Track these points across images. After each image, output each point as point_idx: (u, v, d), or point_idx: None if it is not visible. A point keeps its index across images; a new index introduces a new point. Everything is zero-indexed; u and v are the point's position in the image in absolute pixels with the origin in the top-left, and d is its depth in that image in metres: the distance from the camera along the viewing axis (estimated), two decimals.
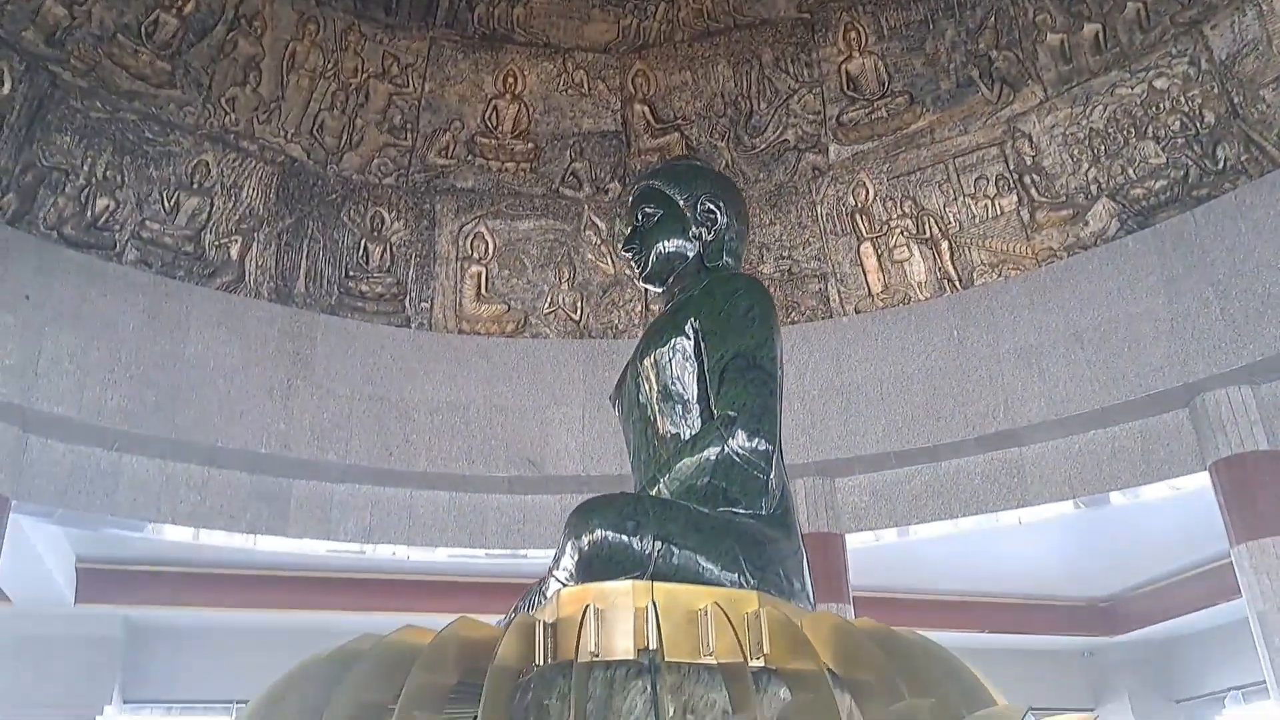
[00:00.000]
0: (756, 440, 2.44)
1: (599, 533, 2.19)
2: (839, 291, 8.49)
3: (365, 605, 9.74)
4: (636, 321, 8.74)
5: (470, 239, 8.84)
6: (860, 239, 8.50)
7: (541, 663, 2.04)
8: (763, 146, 8.77)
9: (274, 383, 7.61)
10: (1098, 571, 10.46)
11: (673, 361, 2.70)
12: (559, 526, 7.62)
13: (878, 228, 8.46)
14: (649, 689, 1.87)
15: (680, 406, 2.66)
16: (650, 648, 2.01)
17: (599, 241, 8.90)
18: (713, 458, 2.43)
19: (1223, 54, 7.20)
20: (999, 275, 8.00)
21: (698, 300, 2.76)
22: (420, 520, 7.96)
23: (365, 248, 8.58)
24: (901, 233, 8.35)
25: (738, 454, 2.41)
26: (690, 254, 2.96)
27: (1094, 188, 7.81)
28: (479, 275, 8.82)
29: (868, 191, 8.51)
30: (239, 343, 7.56)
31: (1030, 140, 8.10)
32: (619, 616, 2.07)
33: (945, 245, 8.20)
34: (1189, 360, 6.75)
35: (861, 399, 7.86)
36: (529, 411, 8.14)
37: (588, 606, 2.05)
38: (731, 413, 2.46)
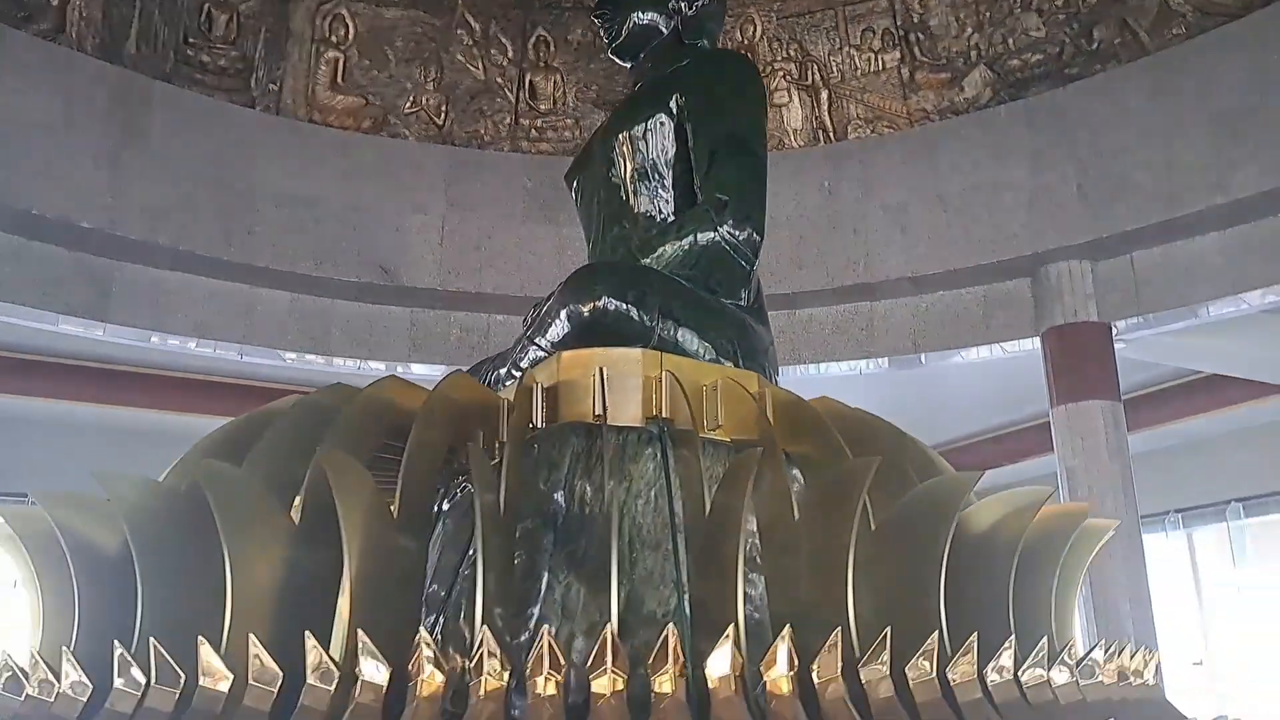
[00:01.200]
0: (747, 229, 2.40)
1: (604, 300, 2.12)
2: None
3: (184, 406, 9.24)
4: (504, 134, 8.41)
5: (329, 20, 8.15)
6: None
7: (540, 424, 1.98)
8: None
9: (100, 150, 6.87)
10: (921, 427, 11.12)
11: (652, 138, 2.62)
12: (409, 339, 7.31)
13: (763, 68, 8.36)
14: (659, 455, 1.83)
15: (658, 185, 2.60)
16: (663, 415, 1.95)
17: (471, 43, 8.41)
18: (702, 242, 2.38)
19: None
20: (873, 131, 8.13)
21: (684, 76, 2.66)
22: (259, 320, 7.54)
23: (209, 12, 7.76)
24: (784, 76, 8.32)
25: (727, 240, 2.37)
26: (665, 29, 2.85)
27: (973, 54, 7.97)
28: (336, 62, 8.19)
29: (755, 28, 8.39)
30: (61, 99, 6.74)
31: None
32: (627, 384, 2.02)
33: (825, 95, 8.28)
34: (1042, 232, 7.12)
35: None
36: (386, 215, 7.75)
37: (599, 370, 1.97)
38: (723, 196, 2.40)
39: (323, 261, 7.53)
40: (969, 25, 7.94)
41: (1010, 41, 7.84)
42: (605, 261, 2.36)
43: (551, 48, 8.54)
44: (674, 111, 2.61)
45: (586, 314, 2.13)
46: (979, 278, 7.48)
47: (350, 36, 8.21)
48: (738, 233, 2.38)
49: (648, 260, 2.43)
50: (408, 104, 8.31)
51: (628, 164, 2.64)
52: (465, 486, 1.94)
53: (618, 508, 1.64)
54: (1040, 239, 7.12)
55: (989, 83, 7.89)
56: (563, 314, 2.18)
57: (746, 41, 8.40)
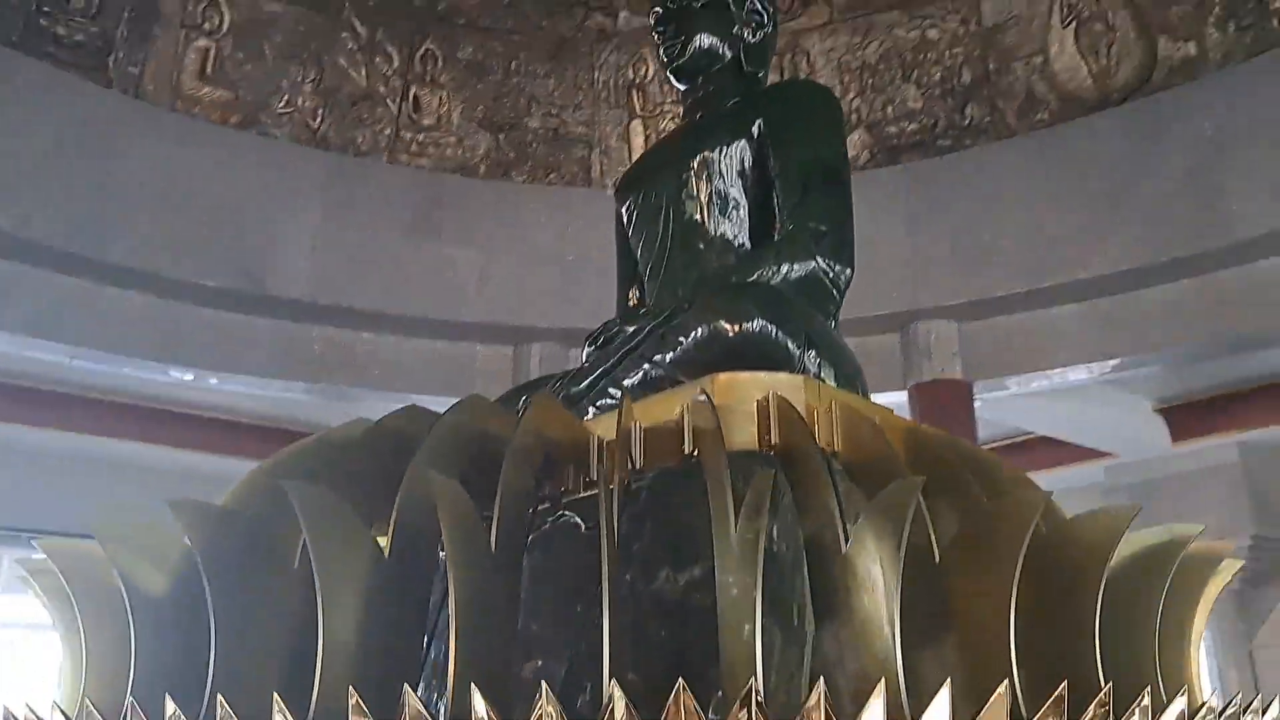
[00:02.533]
0: (843, 263, 2.41)
1: (757, 322, 2.01)
2: (602, 164, 8.43)
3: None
4: (383, 144, 8.13)
5: (203, 5, 7.67)
6: (633, 115, 8.46)
7: (691, 451, 1.78)
8: None
9: None
10: None
11: (732, 162, 2.60)
12: (271, 352, 6.83)
13: (651, 108, 8.43)
14: (835, 491, 1.75)
15: (734, 210, 2.58)
16: (833, 448, 1.86)
17: (355, 48, 8.12)
18: (801, 271, 2.34)
19: (990, 21, 7.96)
20: None
21: (764, 103, 2.66)
22: (104, 320, 6.91)
23: None
24: (673, 118, 8.41)
25: (826, 272, 2.36)
26: (726, 55, 2.83)
27: (854, 116, 8.33)
28: (207, 51, 7.71)
29: (648, 68, 8.47)
30: None
31: (808, 58, 8.46)
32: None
33: None
34: (914, 291, 7.48)
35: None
36: (255, 217, 7.31)
37: (772, 396, 1.81)
38: (822, 227, 2.39)
39: (180, 260, 7.00)
40: (852, 89, 8.30)
41: (890, 109, 8.24)
42: (742, 283, 2.23)
43: (439, 63, 8.35)
44: (755, 137, 2.61)
45: (734, 335, 2.01)
46: (852, 330, 7.61)
47: (225, 26, 7.76)
48: (835, 265, 2.38)
49: (749, 281, 2.36)
50: (281, 103, 7.90)
51: (704, 186, 2.60)
52: (561, 516, 1.79)
53: (829, 548, 1.53)
54: (912, 298, 7.45)
55: (867, 145, 8.26)
56: (702, 332, 2.04)
57: (638, 80, 8.46)
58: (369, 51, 8.10)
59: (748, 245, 2.58)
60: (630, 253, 2.90)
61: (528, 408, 1.76)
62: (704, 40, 2.79)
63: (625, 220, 2.86)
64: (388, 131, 8.22)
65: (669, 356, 2.06)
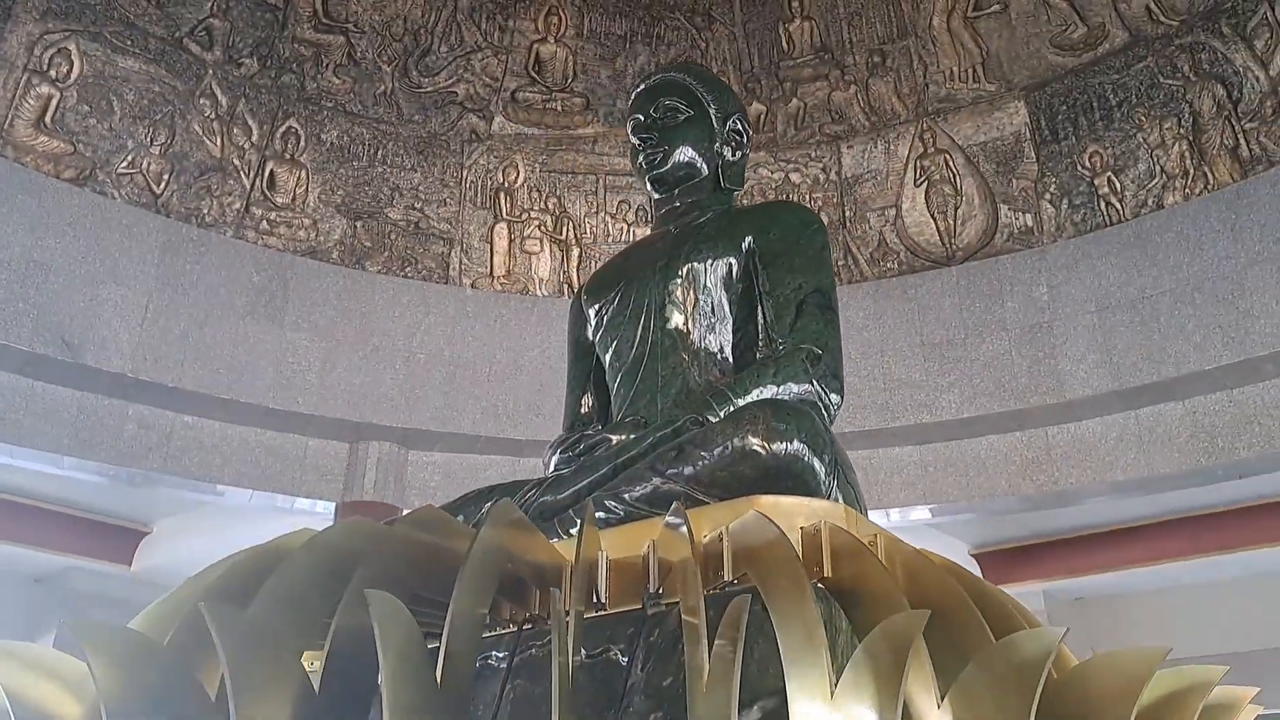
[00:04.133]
0: (835, 390, 2.37)
1: (798, 444, 1.92)
2: (462, 262, 8.37)
3: None
4: (230, 218, 7.79)
5: (52, 52, 7.26)
6: (498, 218, 8.49)
7: (731, 578, 1.65)
8: (429, 89, 8.41)
9: None
10: None
11: (718, 275, 2.55)
12: (71, 428, 6.58)
13: (518, 213, 8.50)
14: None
15: (719, 323, 2.53)
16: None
17: (214, 116, 7.83)
18: (798, 392, 2.28)
19: (849, 172, 8.47)
20: None
21: (755, 220, 2.62)
22: None
23: None
24: (539, 226, 8.49)
25: (821, 396, 2.32)
26: (704, 170, 2.80)
27: None
28: (49, 99, 7.26)
29: (518, 174, 8.55)
30: None
31: None
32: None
33: (576, 252, 8.50)
34: None
35: (468, 376, 7.74)
36: (79, 280, 6.81)
37: (824, 525, 1.71)
38: (817, 350, 2.35)
39: None
40: None
41: None
42: (778, 401, 2.09)
43: (301, 141, 8.14)
44: (744, 252, 2.56)
45: (768, 455, 1.91)
46: None
47: (73, 75, 7.35)
48: (828, 391, 2.35)
49: (743, 400, 2.26)
50: (124, 163, 7.50)
51: (691, 296, 2.55)
52: (545, 642, 1.68)
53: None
54: None
55: None
56: (729, 448, 1.93)
57: (507, 184, 8.50)
58: (227, 121, 7.82)
59: (731, 359, 2.51)
60: (588, 356, 2.80)
61: (484, 522, 1.59)
62: (685, 153, 2.76)
63: (593, 324, 2.76)
64: (237, 205, 7.89)
65: (686, 471, 1.95)
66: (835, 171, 8.48)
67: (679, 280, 2.60)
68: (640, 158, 2.82)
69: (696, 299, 2.55)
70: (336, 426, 7.24)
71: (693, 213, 2.76)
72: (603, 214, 8.60)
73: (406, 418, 7.37)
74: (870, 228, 8.35)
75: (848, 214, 8.39)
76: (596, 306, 2.79)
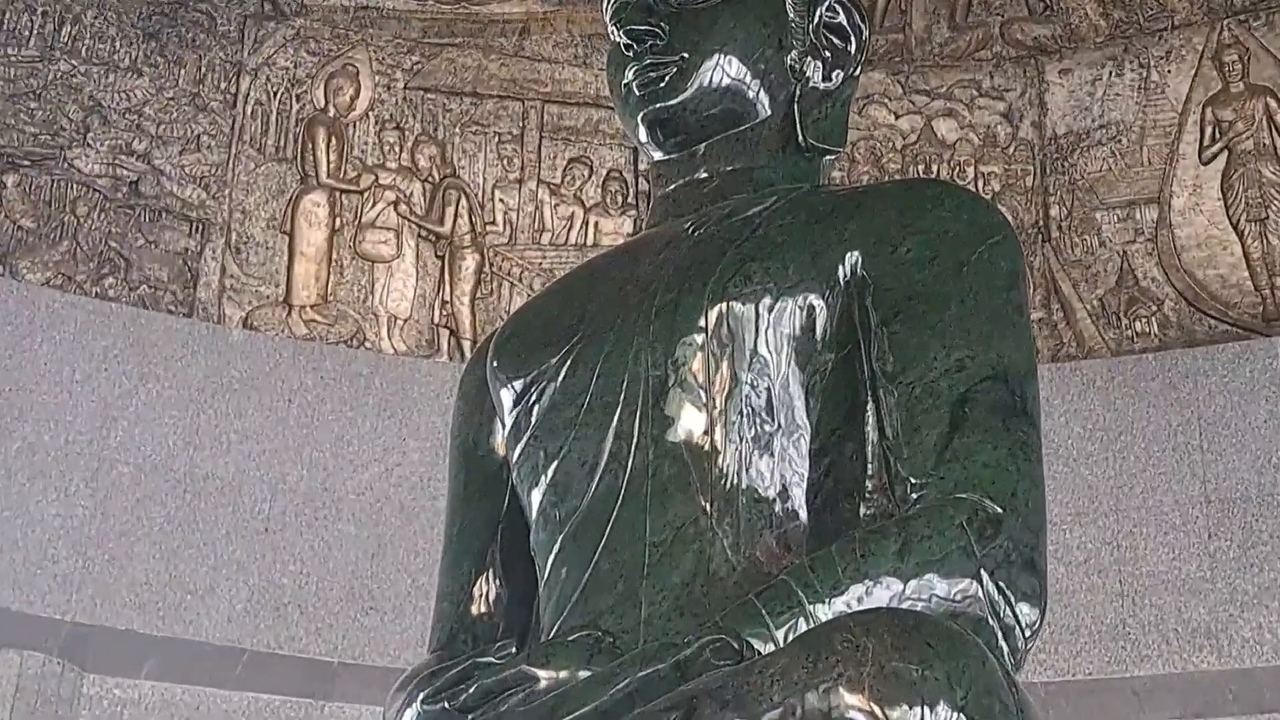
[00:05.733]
0: (1030, 597, 1.56)
1: (946, 711, 1.34)
2: (226, 271, 5.97)
3: None
4: None
5: None
6: (310, 184, 6.26)
7: None
8: None
9: None
10: None
11: (779, 332, 1.68)
12: None
13: (354, 175, 6.25)
14: None
15: (780, 434, 1.68)
16: None
17: None
18: (948, 594, 1.54)
19: (1061, 123, 6.05)
20: None
21: (868, 217, 1.74)
22: None
23: None
24: (397, 203, 6.28)
25: (999, 607, 1.54)
26: (761, 106, 1.89)
27: None
28: None
29: (358, 93, 5.77)
30: None
31: None
32: None
33: (474, 263, 6.02)
34: None
35: (228, 521, 5.62)
36: None
37: None
38: (993, 506, 1.54)
39: None
40: None
41: None
42: (896, 608, 1.43)
43: None
44: (841, 284, 1.68)
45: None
46: None
47: None
48: (1015, 597, 1.54)
49: (830, 608, 1.50)
50: None
51: (721, 372, 1.68)
52: None
53: None
54: None
55: None
56: (804, 715, 1.33)
57: (334, 113, 6.32)
58: None
59: (803, 514, 1.68)
60: (494, 492, 1.93)
61: None
62: (724, 69, 1.85)
63: (509, 420, 1.88)
64: None
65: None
66: (1032, 120, 5.94)
67: (698, 337, 1.71)
68: (628, 76, 1.89)
69: (734, 379, 1.69)
70: None
71: (734, 195, 1.88)
72: (536, 187, 5.95)
73: (84, 608, 5.45)
74: (1103, 244, 5.88)
75: (1053, 212, 5.91)
76: (519, 384, 1.89)
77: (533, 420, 1.85)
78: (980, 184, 5.95)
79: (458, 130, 5.95)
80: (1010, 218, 5.39)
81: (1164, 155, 5.93)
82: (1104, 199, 5.88)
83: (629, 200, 5.64)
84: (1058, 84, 6.01)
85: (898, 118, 6.01)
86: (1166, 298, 5.67)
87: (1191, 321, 5.59)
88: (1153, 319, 5.55)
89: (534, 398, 1.86)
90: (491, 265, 5.86)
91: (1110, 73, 5.96)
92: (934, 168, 5.96)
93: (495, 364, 1.93)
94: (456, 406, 2.07)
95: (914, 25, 5.97)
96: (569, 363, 1.82)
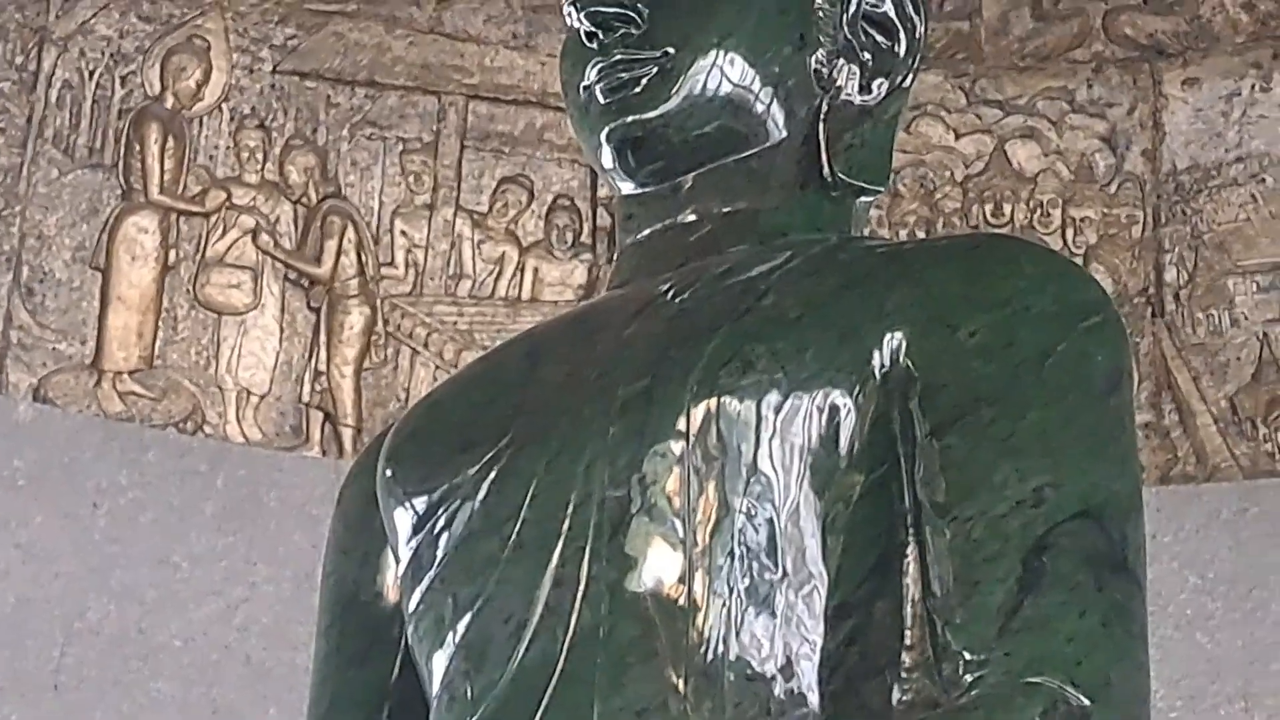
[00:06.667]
0: None
1: None
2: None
3: None
4: None
5: None
6: (132, 201, 5.67)
7: None
8: None
9: None
10: None
11: (789, 441, 1.52)
12: None
13: (197, 190, 5.53)
14: None
15: (785, 586, 1.52)
16: None
17: None
18: None
19: (1185, 153, 5.35)
20: None
21: (915, 284, 1.58)
22: None
23: None
24: (257, 232, 6.06)
25: None
26: (774, 124, 1.73)
27: None
28: None
29: (207, 73, 5.57)
30: None
31: None
32: None
33: (361, 320, 5.91)
34: None
35: None
36: None
37: None
38: (1078, 696, 1.38)
39: None
40: None
41: None
42: None
43: None
44: (879, 377, 1.52)
45: None
46: None
47: None
48: None
49: None
50: None
51: (708, 495, 1.52)
52: None
53: None
54: None
55: None
56: None
57: (174, 103, 5.82)
58: None
59: (813, 697, 1.51)
60: (378, 660, 1.75)
61: None
62: (726, 71, 1.70)
63: (404, 556, 1.69)
64: None
65: None
66: (1143, 147, 5.16)
67: (675, 445, 1.53)
68: (589, 76, 1.69)
69: (724, 506, 1.52)
70: None
71: (732, 246, 1.72)
72: (454, 216, 5.10)
73: None
74: (1235, 323, 5.07)
75: (1169, 275, 5.16)
76: (421, 503, 1.69)
77: (439, 555, 1.66)
78: (1071, 233, 5.09)
79: (345, 133, 5.06)
80: (1111, 284, 5.33)
81: None
82: (1239, 260, 4.95)
83: (582, 239, 4.81)
84: (1180, 99, 5.08)
85: (959, 137, 5.10)
86: None
87: None
88: None
89: (442, 523, 1.65)
90: (387, 323, 5.02)
91: (1254, 86, 5.04)
92: (1006, 208, 5.03)
93: (390, 473, 1.71)
94: (332, 530, 1.81)
95: (985, 12, 5.02)
96: (493, 475, 1.60)
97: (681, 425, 1.48)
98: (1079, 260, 5.10)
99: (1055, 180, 4.93)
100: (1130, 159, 5.01)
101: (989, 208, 4.92)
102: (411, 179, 4.90)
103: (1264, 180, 4.83)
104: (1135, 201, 4.99)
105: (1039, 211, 4.92)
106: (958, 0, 5.05)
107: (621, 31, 1.59)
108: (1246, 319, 4.77)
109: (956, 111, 5.05)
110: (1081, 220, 4.91)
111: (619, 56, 1.60)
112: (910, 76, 1.74)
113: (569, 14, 1.64)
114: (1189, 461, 4.63)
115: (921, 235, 4.99)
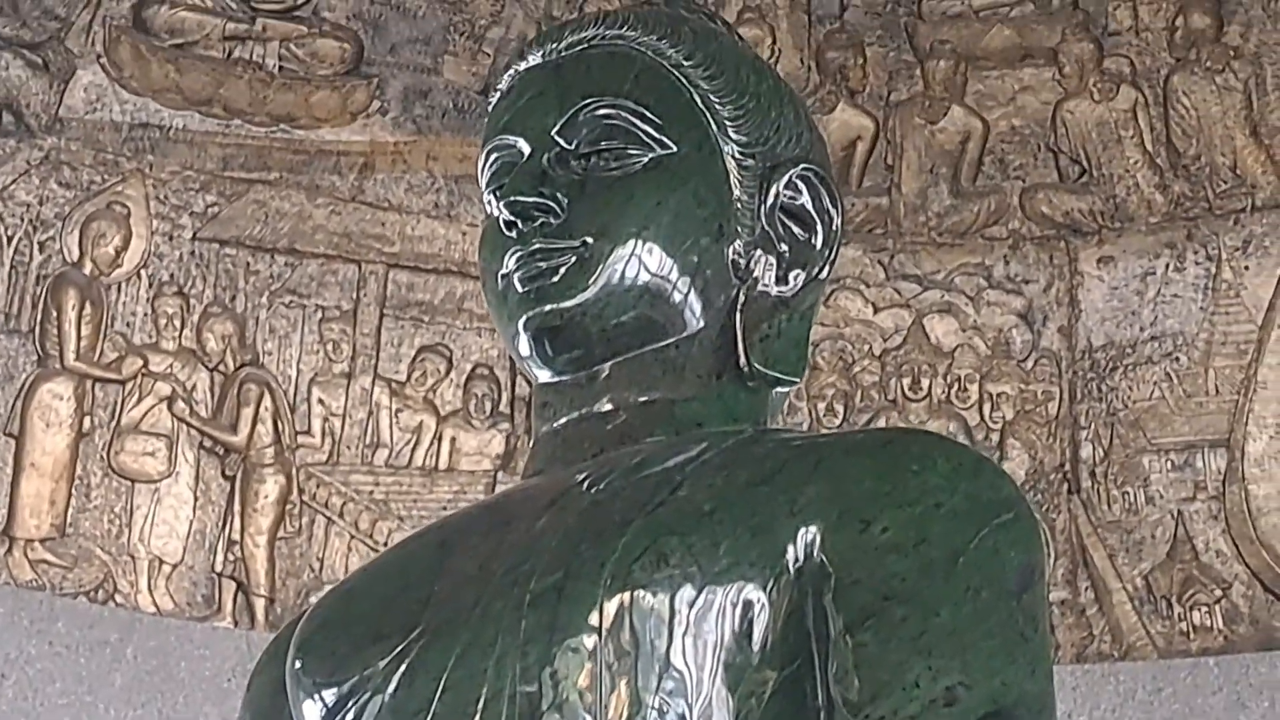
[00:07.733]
0: None
1: None
2: None
3: None
4: None
5: None
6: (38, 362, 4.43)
7: None
8: None
9: None
10: None
11: (703, 640, 1.51)
12: None
13: (110, 352, 5.52)
14: None
15: None
16: None
17: None
18: None
19: (1099, 331, 5.50)
20: None
21: (830, 479, 1.59)
22: None
23: None
24: (171, 397, 5.65)
25: None
26: (692, 315, 1.73)
27: None
28: None
29: (128, 221, 4.97)
30: None
31: None
32: None
33: (274, 494, 5.72)
34: None
35: None
36: None
37: None
38: None
39: None
40: None
41: None
42: None
43: None
44: (793, 573, 1.52)
45: None
46: None
47: None
48: None
49: None
50: None
51: (614, 692, 1.51)
52: None
53: None
54: None
55: None
56: None
57: (96, 254, 5.64)
58: None
59: None
60: None
61: None
62: (645, 261, 1.69)
63: None
64: None
65: None
66: (1059, 324, 5.24)
67: (587, 640, 1.54)
68: (508, 264, 1.72)
69: (636, 702, 1.50)
70: None
71: (648, 437, 1.71)
72: (371, 385, 5.08)
73: None
74: (1150, 501, 5.07)
75: (1084, 453, 5.15)
76: (330, 696, 1.68)
77: None
78: (988, 408, 5.08)
79: (264, 301, 5.10)
80: (1028, 460, 5.13)
81: (1236, 383, 5.03)
82: (1154, 439, 5.00)
83: (500, 408, 4.80)
84: (1096, 277, 5.19)
85: (877, 311, 5.13)
86: (1236, 579, 4.78)
87: (1270, 614, 4.58)
88: (1216, 607, 4.64)
89: (351, 716, 1.61)
90: (302, 493, 4.96)
91: (1168, 265, 5.14)
92: (924, 382, 5.07)
93: (299, 664, 1.68)
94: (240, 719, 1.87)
95: (903, 187, 5.02)
96: (403, 669, 1.58)
97: (594, 620, 1.49)
98: (996, 435, 5.20)
99: (973, 355, 4.92)
100: (1047, 335, 5.01)
101: (906, 381, 4.91)
102: (330, 347, 4.86)
103: (1178, 359, 4.81)
104: (1052, 378, 4.98)
105: (956, 386, 4.91)
106: (877, 176, 5.01)
107: (541, 221, 1.61)
108: (1161, 497, 4.76)
109: (875, 285, 5.01)
110: (999, 396, 4.91)
111: (538, 245, 1.62)
112: (827, 268, 1.67)
113: (489, 202, 1.66)
114: (1104, 640, 4.58)
115: (840, 408, 4.96)
